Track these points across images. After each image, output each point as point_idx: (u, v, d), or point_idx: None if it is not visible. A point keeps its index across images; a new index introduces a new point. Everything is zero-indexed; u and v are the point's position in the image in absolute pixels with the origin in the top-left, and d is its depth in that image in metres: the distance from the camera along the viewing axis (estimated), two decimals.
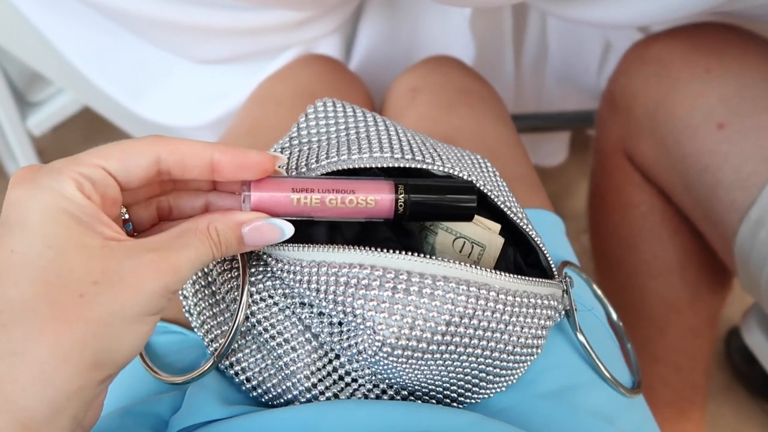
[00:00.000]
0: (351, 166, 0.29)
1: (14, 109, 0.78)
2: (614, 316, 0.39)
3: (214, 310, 0.30)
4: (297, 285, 0.27)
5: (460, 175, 0.30)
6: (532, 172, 0.47)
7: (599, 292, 0.39)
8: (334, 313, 0.26)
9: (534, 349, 0.29)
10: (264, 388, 0.29)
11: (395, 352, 0.26)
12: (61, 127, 0.86)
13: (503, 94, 0.59)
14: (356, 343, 0.26)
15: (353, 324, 0.26)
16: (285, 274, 0.27)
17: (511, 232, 0.32)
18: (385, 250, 0.26)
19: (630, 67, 0.58)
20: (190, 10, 0.56)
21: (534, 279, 0.29)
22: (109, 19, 0.60)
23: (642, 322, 0.63)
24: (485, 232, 0.31)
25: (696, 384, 0.66)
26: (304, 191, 0.26)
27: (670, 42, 0.56)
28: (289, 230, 0.26)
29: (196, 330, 0.31)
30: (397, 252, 0.26)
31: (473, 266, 0.26)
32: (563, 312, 0.31)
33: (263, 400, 0.30)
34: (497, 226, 0.32)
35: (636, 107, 0.56)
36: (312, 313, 0.28)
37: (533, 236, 0.31)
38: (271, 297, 0.29)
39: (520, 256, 0.33)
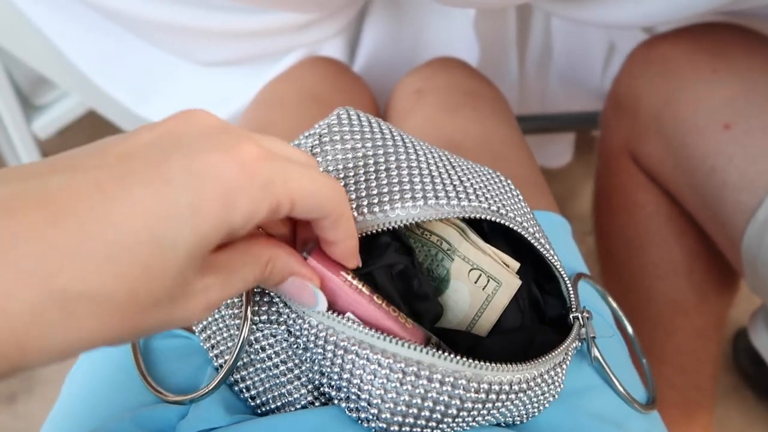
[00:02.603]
0: (415, 220, 0.28)
1: (19, 112, 0.78)
2: (630, 330, 0.39)
3: (220, 326, 0.30)
4: (305, 341, 0.27)
5: (493, 213, 0.29)
6: (537, 174, 0.47)
7: (614, 305, 0.39)
8: (333, 376, 0.27)
9: (551, 398, 0.29)
10: (270, 407, 0.29)
11: (391, 428, 0.26)
12: (66, 131, 0.86)
13: (508, 95, 0.59)
14: (350, 402, 0.27)
15: (348, 391, 0.26)
16: (288, 320, 0.28)
17: (530, 257, 0.31)
18: (404, 343, 0.25)
19: (635, 68, 0.58)
20: (195, 13, 0.56)
21: (546, 357, 0.28)
22: (114, 22, 0.61)
23: (648, 323, 0.63)
24: (502, 270, 0.31)
25: (702, 386, 0.65)
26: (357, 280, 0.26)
27: (675, 42, 0.55)
28: (323, 307, 0.26)
29: (202, 343, 0.31)
30: (410, 345, 0.25)
31: (480, 363, 0.26)
32: (579, 344, 0.31)
33: (261, 411, 0.30)
34: (516, 265, 0.31)
35: (641, 108, 0.56)
36: (312, 361, 0.28)
37: (557, 267, 0.31)
38: (273, 335, 0.29)
39: (536, 284, 0.32)
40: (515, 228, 0.29)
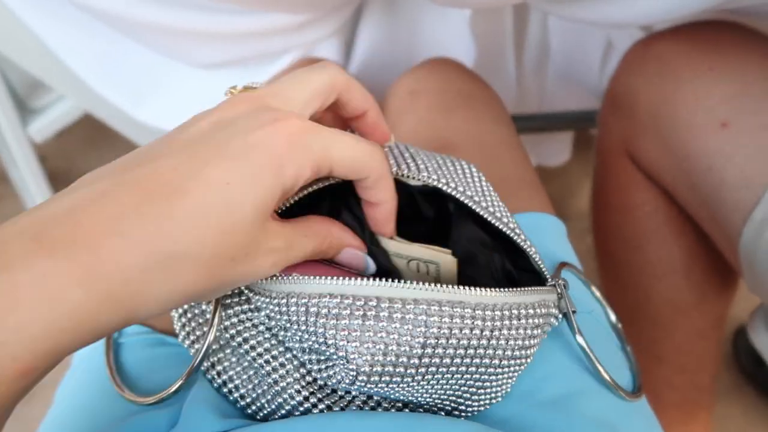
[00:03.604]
0: None
1: (15, 115, 0.78)
2: (613, 318, 0.38)
3: (195, 312, 0.31)
4: (273, 315, 0.27)
5: (434, 180, 0.30)
6: (532, 174, 0.46)
7: (598, 294, 0.38)
8: (309, 342, 0.26)
9: (524, 360, 0.28)
10: (258, 404, 0.29)
11: (372, 379, 0.25)
12: (63, 134, 0.86)
13: (505, 94, 0.58)
14: (334, 373, 0.26)
15: (328, 353, 0.26)
16: (259, 303, 0.27)
17: (501, 239, 0.31)
18: (354, 278, 0.25)
19: (632, 67, 0.57)
20: (189, 15, 0.55)
21: (517, 289, 0.28)
22: (108, 25, 0.60)
23: (647, 323, 0.63)
24: (434, 252, 0.32)
25: (702, 386, 0.65)
26: None
27: (672, 40, 0.55)
28: (372, 269, 0.31)
29: (178, 331, 0.31)
30: (366, 279, 0.25)
31: (446, 286, 0.26)
32: (560, 316, 0.30)
33: (258, 417, 0.29)
34: (448, 251, 0.32)
35: (638, 107, 0.56)
36: (293, 339, 0.27)
37: (519, 241, 0.31)
38: (249, 320, 0.29)
39: (511, 263, 0.32)
40: (458, 197, 0.30)
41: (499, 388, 0.29)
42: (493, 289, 0.27)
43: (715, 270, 0.60)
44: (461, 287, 0.26)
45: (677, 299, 0.61)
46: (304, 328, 0.26)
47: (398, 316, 0.25)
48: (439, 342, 0.25)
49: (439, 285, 0.26)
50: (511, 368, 0.28)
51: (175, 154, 0.24)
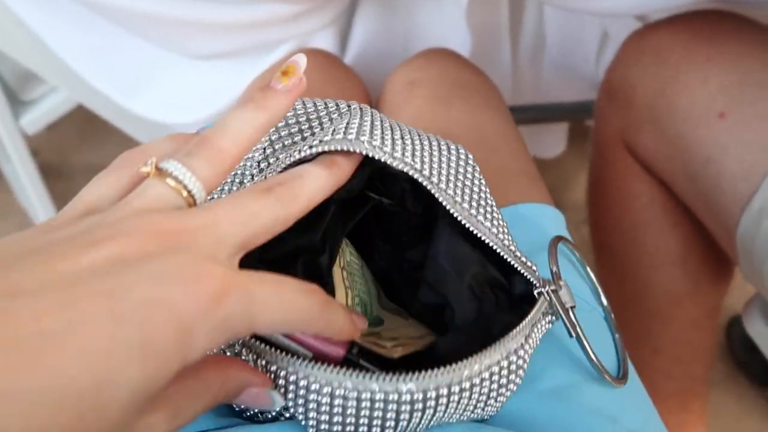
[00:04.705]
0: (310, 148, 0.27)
1: (7, 107, 0.77)
2: (604, 301, 0.38)
3: None
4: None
5: (410, 162, 0.27)
6: (530, 165, 0.46)
7: (592, 275, 0.38)
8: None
9: (509, 394, 0.28)
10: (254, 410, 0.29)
11: None
12: (55, 126, 0.85)
13: (500, 85, 0.58)
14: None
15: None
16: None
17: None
18: (331, 368, 0.24)
19: (629, 57, 0.57)
20: (184, 6, 0.55)
21: (498, 343, 0.27)
22: (101, 15, 0.60)
23: (643, 313, 0.63)
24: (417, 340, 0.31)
25: (697, 375, 0.65)
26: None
27: (669, 31, 0.55)
28: (281, 405, 0.25)
29: None
30: (339, 370, 0.25)
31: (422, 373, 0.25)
32: (553, 319, 0.30)
33: (255, 419, 0.29)
34: (427, 337, 0.31)
35: (635, 97, 0.55)
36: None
37: (502, 251, 0.29)
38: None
39: (498, 266, 0.31)
40: (436, 194, 0.28)
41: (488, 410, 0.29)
42: (459, 366, 0.25)
43: (711, 260, 0.60)
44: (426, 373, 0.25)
45: (673, 289, 0.61)
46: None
47: (365, 412, 0.25)
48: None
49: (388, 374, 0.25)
50: (494, 405, 0.28)
51: (43, 293, 0.17)
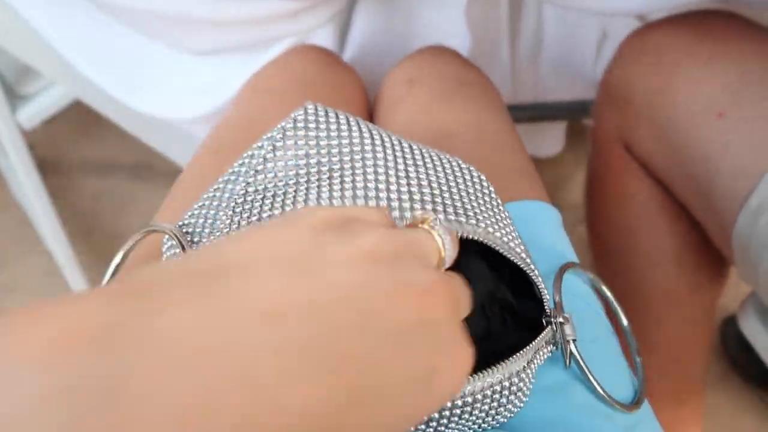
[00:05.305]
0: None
1: (4, 102, 0.77)
2: (624, 322, 0.38)
3: None
4: None
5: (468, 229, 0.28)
6: (528, 164, 0.47)
7: (608, 293, 0.38)
8: None
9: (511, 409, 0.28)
10: None
11: None
12: (52, 121, 0.85)
13: (499, 84, 0.58)
14: None
15: None
16: None
17: (505, 260, 0.30)
18: None
19: (628, 56, 0.57)
20: (184, 2, 0.55)
21: (503, 363, 0.27)
22: (101, 10, 0.60)
23: (639, 312, 0.63)
24: None
25: (693, 374, 0.66)
26: None
27: (668, 30, 0.55)
28: None
29: None
30: None
31: None
32: (554, 348, 0.30)
33: None
34: None
35: (634, 97, 0.56)
36: None
37: (531, 271, 0.30)
38: None
39: (511, 287, 0.31)
40: (487, 242, 0.28)
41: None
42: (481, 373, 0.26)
43: (707, 259, 0.60)
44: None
45: (670, 288, 0.61)
46: None
47: None
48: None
49: None
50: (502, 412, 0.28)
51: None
